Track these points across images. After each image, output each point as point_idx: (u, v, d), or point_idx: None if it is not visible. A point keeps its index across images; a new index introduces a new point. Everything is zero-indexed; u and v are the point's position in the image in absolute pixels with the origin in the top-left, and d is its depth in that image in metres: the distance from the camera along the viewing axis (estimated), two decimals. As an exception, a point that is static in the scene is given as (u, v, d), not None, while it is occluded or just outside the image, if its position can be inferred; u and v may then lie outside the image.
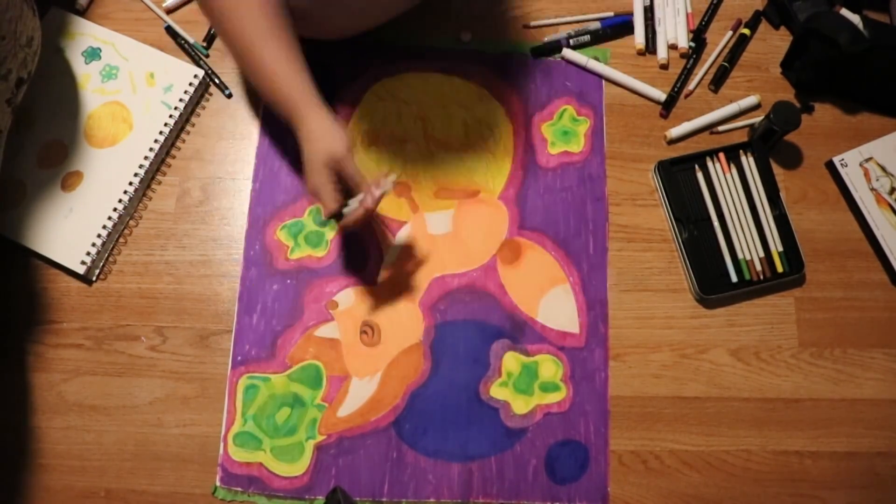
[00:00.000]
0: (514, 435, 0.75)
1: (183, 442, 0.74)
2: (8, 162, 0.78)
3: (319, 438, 0.75)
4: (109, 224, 0.79)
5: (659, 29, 0.89)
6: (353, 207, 0.69)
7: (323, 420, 0.75)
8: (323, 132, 0.68)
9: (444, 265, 0.80)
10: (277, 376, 0.76)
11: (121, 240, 0.80)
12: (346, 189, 0.70)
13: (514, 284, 0.79)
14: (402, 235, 0.81)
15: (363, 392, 0.76)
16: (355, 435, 0.75)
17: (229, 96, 0.86)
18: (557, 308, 0.79)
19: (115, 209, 0.79)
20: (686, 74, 0.87)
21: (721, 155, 0.83)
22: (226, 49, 0.72)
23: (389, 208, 0.82)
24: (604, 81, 0.87)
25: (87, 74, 0.84)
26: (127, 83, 0.84)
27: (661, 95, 0.86)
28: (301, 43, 0.72)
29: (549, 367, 0.77)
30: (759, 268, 0.79)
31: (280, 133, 0.83)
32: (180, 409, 0.75)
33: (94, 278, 0.78)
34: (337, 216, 0.70)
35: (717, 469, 0.75)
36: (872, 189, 0.82)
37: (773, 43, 0.90)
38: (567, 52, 0.87)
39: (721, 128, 0.86)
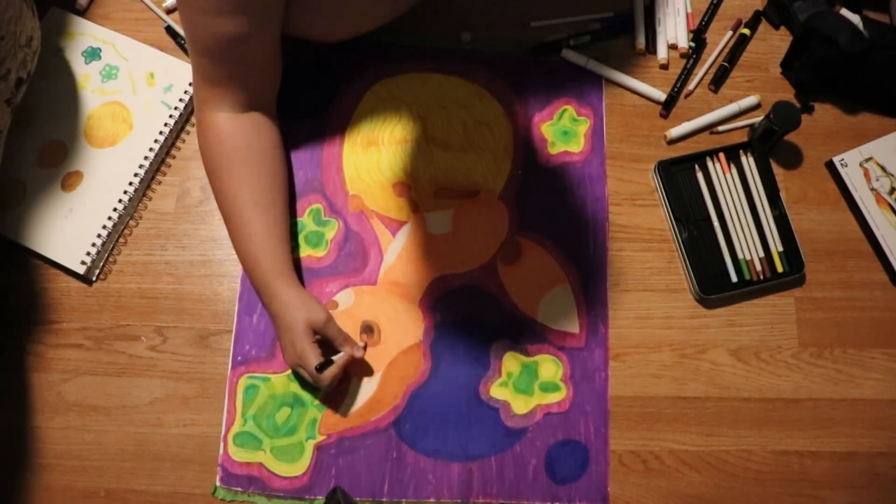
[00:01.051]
0: (514, 435, 0.75)
1: (183, 442, 0.74)
2: (8, 162, 0.78)
3: (319, 438, 0.75)
4: (109, 224, 0.79)
5: (659, 29, 0.89)
6: (339, 362, 0.71)
7: (323, 420, 0.75)
8: (300, 301, 0.71)
9: (444, 265, 0.80)
10: (277, 376, 0.76)
11: (121, 240, 0.80)
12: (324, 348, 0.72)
13: (514, 284, 0.79)
14: (401, 235, 0.81)
15: (363, 392, 0.76)
16: (355, 435, 0.75)
17: (229, 96, 0.85)
18: (557, 308, 0.79)
19: (115, 209, 0.79)
20: (686, 74, 0.87)
21: (721, 155, 0.83)
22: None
23: (389, 208, 0.82)
24: (604, 81, 0.87)
25: (86, 74, 0.84)
26: (127, 83, 0.84)
27: (661, 95, 0.86)
28: (300, 45, 0.73)
29: (549, 367, 0.77)
30: (759, 268, 0.79)
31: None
32: (180, 409, 0.75)
33: (94, 278, 0.78)
34: (322, 377, 0.70)
35: (717, 469, 0.75)
36: (872, 189, 0.82)
37: (773, 43, 0.90)
38: (567, 53, 0.87)
39: (721, 128, 0.86)
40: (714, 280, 0.79)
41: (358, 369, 0.76)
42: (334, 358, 0.71)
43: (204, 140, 0.74)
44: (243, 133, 0.73)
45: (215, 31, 0.67)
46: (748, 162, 0.83)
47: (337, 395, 0.76)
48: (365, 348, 0.75)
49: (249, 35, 0.68)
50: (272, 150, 0.76)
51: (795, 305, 0.80)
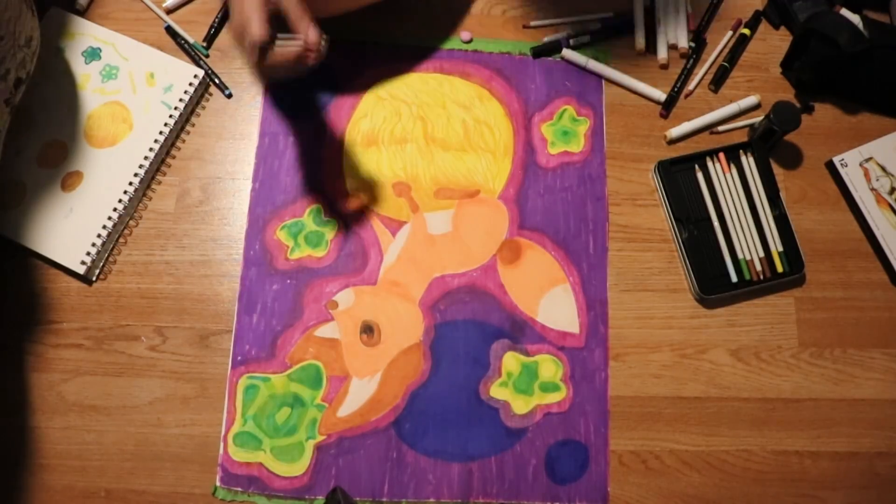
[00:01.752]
0: (514, 435, 0.75)
1: (183, 442, 0.74)
2: (8, 162, 0.78)
3: (319, 438, 0.75)
4: (109, 224, 0.79)
5: (659, 29, 0.89)
6: (290, 44, 0.60)
7: (323, 420, 0.75)
8: None
9: (444, 265, 0.80)
10: (277, 376, 0.76)
11: (121, 240, 0.80)
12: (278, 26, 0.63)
13: (514, 284, 0.79)
14: (401, 235, 0.81)
15: (363, 392, 0.76)
16: (355, 435, 0.75)
17: (229, 96, 0.85)
18: (557, 308, 0.79)
19: (115, 209, 0.79)
20: (686, 74, 0.87)
21: (721, 155, 0.83)
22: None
23: (389, 208, 0.82)
24: (604, 81, 0.87)
25: (86, 74, 0.84)
26: (127, 83, 0.84)
27: (662, 95, 0.86)
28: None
29: (549, 367, 0.77)
30: (759, 268, 0.79)
31: (280, 133, 0.83)
32: (180, 409, 0.75)
33: (94, 278, 0.78)
34: (261, 53, 0.60)
35: (717, 469, 0.75)
36: (872, 189, 0.82)
37: (773, 43, 0.90)
38: (567, 53, 0.87)
39: (721, 128, 0.86)
40: (714, 280, 0.79)
41: (358, 369, 0.76)
42: (281, 37, 0.61)
43: None
44: None
45: None
46: (748, 162, 0.83)
47: (337, 395, 0.75)
48: (328, 44, 0.63)
49: None
50: None
51: (795, 305, 0.80)
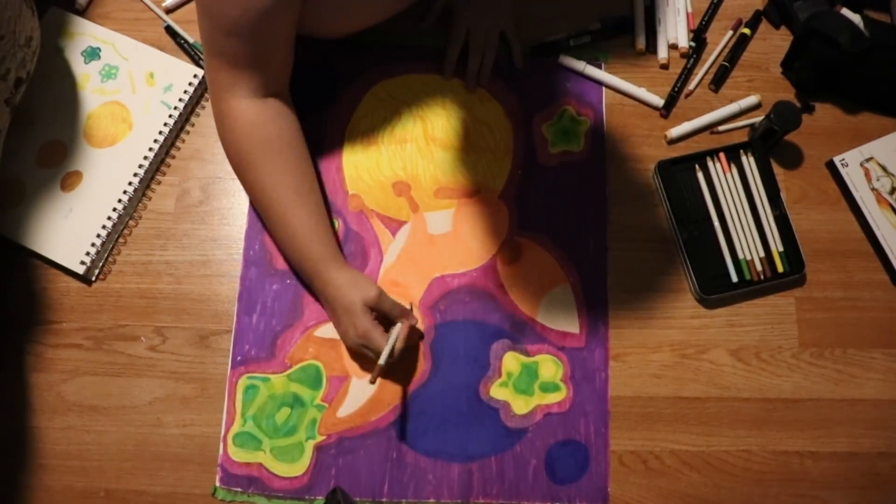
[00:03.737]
0: (514, 435, 0.75)
1: (183, 442, 0.74)
2: (8, 162, 0.78)
3: (319, 438, 0.74)
4: (109, 224, 0.78)
5: (659, 29, 0.89)
6: (396, 335, 0.70)
7: (323, 420, 0.75)
8: (353, 282, 0.72)
9: (444, 265, 0.80)
10: (277, 376, 0.76)
11: (120, 240, 0.80)
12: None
13: (514, 284, 0.79)
14: (402, 235, 0.81)
15: (363, 392, 0.76)
16: (355, 435, 0.75)
17: (229, 96, 0.85)
18: (557, 308, 0.79)
19: (114, 209, 0.79)
20: (686, 74, 0.87)
21: (721, 155, 0.83)
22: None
23: (389, 208, 0.82)
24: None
25: (86, 74, 0.84)
26: (127, 83, 0.84)
27: (660, 101, 0.85)
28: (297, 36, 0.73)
29: (549, 368, 0.77)
30: (759, 268, 0.79)
31: (280, 133, 0.83)
32: (180, 409, 0.75)
33: (93, 278, 0.78)
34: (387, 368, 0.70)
35: (717, 469, 0.75)
36: (873, 189, 0.82)
37: (774, 43, 0.89)
38: (564, 58, 0.87)
39: (721, 128, 0.86)
40: (714, 280, 0.79)
41: (358, 369, 0.76)
42: (394, 330, 0.71)
43: (230, 132, 0.72)
44: (272, 121, 0.72)
45: (247, 5, 0.66)
46: (748, 162, 0.83)
47: (337, 395, 0.75)
48: (410, 308, 0.74)
49: (278, 8, 0.67)
50: (299, 135, 0.75)
51: (796, 305, 0.80)
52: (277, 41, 0.71)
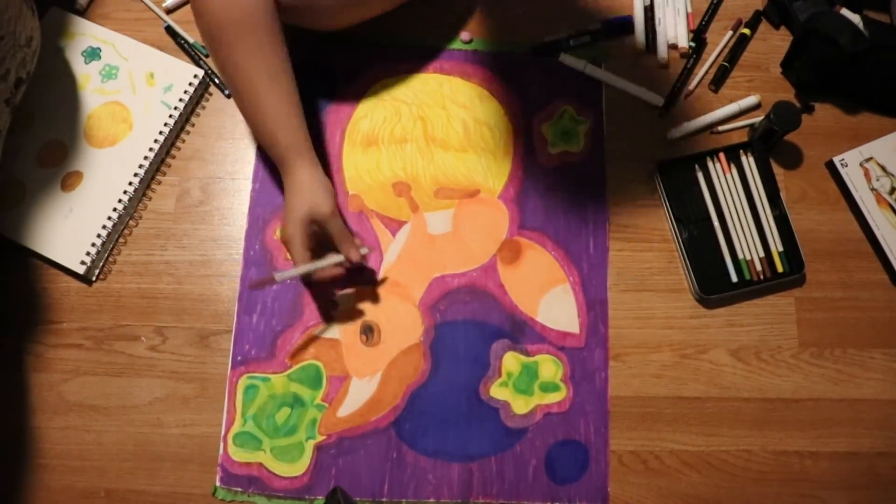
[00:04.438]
0: (514, 435, 0.75)
1: (183, 442, 0.74)
2: (8, 162, 0.78)
3: (319, 438, 0.74)
4: (109, 224, 0.79)
5: (659, 29, 0.89)
6: (330, 262, 0.69)
7: (323, 420, 0.75)
8: (311, 186, 0.70)
9: (444, 265, 0.80)
10: (277, 376, 0.76)
11: (121, 240, 0.80)
12: (322, 242, 0.70)
13: (514, 284, 0.79)
14: (402, 235, 0.81)
15: (363, 392, 0.76)
16: (355, 435, 0.75)
17: (229, 96, 0.85)
18: (557, 308, 0.79)
19: (114, 209, 0.79)
20: (686, 74, 0.87)
21: (721, 155, 0.83)
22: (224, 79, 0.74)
23: (389, 208, 0.82)
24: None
25: (86, 74, 0.84)
26: (127, 83, 0.84)
27: (659, 100, 0.85)
28: (296, 35, 0.72)
29: (549, 367, 0.77)
30: (759, 268, 0.79)
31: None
32: (180, 409, 0.75)
33: (93, 278, 0.78)
34: (306, 278, 0.69)
35: (717, 469, 0.75)
36: (873, 189, 0.82)
37: (774, 43, 0.90)
38: (564, 57, 0.87)
39: (721, 128, 0.86)
40: (714, 280, 0.79)
41: (358, 369, 0.76)
42: (323, 260, 0.69)
43: (206, 5, 0.68)
44: None
45: None
46: (748, 162, 0.83)
47: (337, 395, 0.75)
48: (367, 252, 0.72)
49: None
50: (274, 16, 0.70)
51: (796, 305, 0.80)
52: None
